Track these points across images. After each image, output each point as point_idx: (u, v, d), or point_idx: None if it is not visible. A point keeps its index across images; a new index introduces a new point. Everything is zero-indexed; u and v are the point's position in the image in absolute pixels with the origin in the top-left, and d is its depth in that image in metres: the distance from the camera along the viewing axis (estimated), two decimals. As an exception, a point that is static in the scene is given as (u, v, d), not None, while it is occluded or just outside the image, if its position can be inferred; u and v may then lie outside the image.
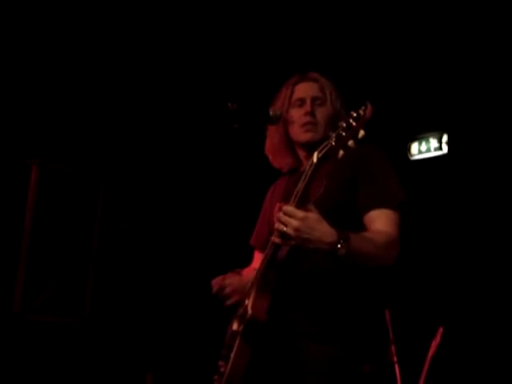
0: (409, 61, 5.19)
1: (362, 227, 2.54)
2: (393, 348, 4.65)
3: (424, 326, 4.74)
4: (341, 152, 2.26)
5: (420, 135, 5.59)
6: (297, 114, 2.75)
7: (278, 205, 2.45)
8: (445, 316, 4.88)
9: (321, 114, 2.74)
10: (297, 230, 2.27)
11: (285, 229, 2.29)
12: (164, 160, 5.68)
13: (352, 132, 2.24)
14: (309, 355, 2.52)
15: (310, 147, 2.74)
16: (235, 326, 2.64)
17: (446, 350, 4.54)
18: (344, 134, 2.24)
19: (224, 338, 2.76)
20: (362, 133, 2.24)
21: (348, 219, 2.53)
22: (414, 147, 5.63)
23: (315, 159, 2.31)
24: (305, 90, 2.78)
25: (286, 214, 2.30)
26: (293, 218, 2.28)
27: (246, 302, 2.58)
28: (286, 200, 2.51)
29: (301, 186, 2.35)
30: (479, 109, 5.14)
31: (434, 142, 5.50)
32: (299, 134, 2.76)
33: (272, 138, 2.86)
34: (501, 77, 4.93)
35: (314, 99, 2.75)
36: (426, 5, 4.73)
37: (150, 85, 5.60)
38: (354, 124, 2.24)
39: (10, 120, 5.38)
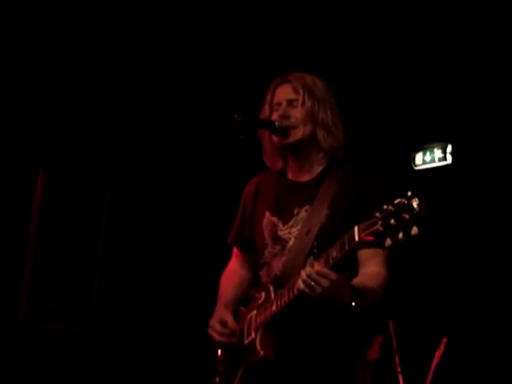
0: (414, 71, 5.20)
1: (354, 255, 2.63)
2: (396, 358, 4.64)
3: (428, 336, 4.73)
4: (388, 241, 2.15)
5: (424, 145, 5.59)
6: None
7: (310, 262, 2.42)
8: (448, 326, 4.88)
9: (295, 115, 2.74)
10: (325, 290, 2.32)
11: (312, 284, 2.32)
12: (170, 169, 5.70)
13: (404, 226, 2.11)
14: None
15: (292, 152, 2.79)
16: (236, 347, 2.72)
17: (449, 361, 4.54)
18: (393, 223, 2.12)
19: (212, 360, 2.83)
20: (415, 230, 2.11)
21: None
22: (419, 157, 5.63)
23: (357, 238, 2.23)
24: (281, 93, 2.80)
25: (319, 274, 2.32)
26: (326, 279, 2.31)
27: (253, 335, 2.64)
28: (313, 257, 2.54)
29: (337, 254, 2.32)
30: (483, 119, 5.14)
31: (438, 153, 5.51)
32: (276, 138, 2.78)
33: (263, 143, 2.89)
34: (505, 88, 4.94)
35: (289, 101, 2.77)
36: (430, 15, 4.75)
37: (156, 95, 5.63)
38: (406, 217, 2.10)
39: (16, 128, 5.40)
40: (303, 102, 2.75)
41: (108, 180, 5.82)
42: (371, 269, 2.61)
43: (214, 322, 2.81)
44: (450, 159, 5.43)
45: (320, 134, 2.76)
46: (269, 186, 2.91)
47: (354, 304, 2.41)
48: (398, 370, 4.61)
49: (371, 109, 5.51)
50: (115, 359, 5.64)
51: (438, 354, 4.47)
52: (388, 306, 4.89)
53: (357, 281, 2.52)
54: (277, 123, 2.73)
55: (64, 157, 5.65)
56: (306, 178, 2.80)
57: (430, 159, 5.55)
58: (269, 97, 2.83)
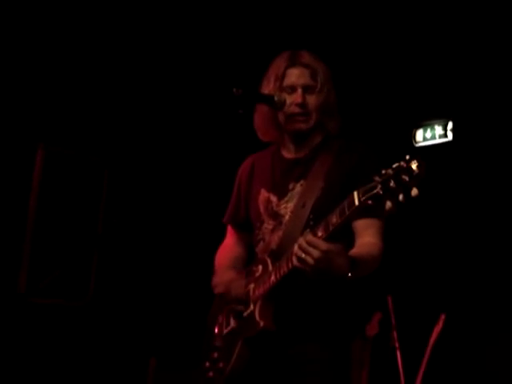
0: (415, 47, 5.17)
1: (350, 227, 2.63)
2: (395, 334, 4.67)
3: (426, 313, 4.75)
4: (388, 203, 2.14)
5: (425, 122, 5.58)
6: (287, 101, 2.73)
7: (303, 236, 2.38)
8: (447, 302, 4.89)
9: (312, 103, 2.73)
10: (316, 260, 2.31)
11: (303, 256, 2.32)
12: (169, 145, 5.69)
13: (404, 188, 2.11)
14: (305, 357, 2.61)
15: (296, 135, 2.78)
16: (233, 324, 2.72)
17: (447, 337, 4.56)
18: (393, 185, 2.12)
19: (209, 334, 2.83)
20: (415, 191, 2.10)
21: None
22: (419, 134, 5.62)
23: (357, 202, 2.22)
24: (296, 76, 2.75)
25: (309, 243, 2.31)
26: (315, 249, 2.31)
27: (252, 307, 2.64)
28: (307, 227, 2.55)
29: (337, 220, 2.31)
30: (484, 96, 5.12)
31: (439, 129, 5.50)
32: (288, 122, 2.76)
33: (260, 115, 2.86)
34: (506, 64, 4.91)
35: (305, 87, 2.73)
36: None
37: (155, 70, 5.60)
38: (406, 179, 2.10)
39: (15, 104, 5.38)
40: (320, 90, 2.73)
41: (107, 155, 5.81)
42: (367, 239, 2.61)
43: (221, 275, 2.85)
44: (450, 136, 5.42)
45: (327, 119, 2.79)
46: (264, 165, 2.91)
47: (350, 275, 2.40)
48: (397, 345, 4.64)
49: (372, 85, 5.49)
50: (115, 334, 5.66)
51: (437, 330, 4.50)
52: (387, 282, 4.92)
53: (353, 252, 2.52)
54: (276, 97, 2.71)
55: (63, 132, 5.63)
56: (301, 154, 2.80)
57: (430, 136, 5.55)
58: (278, 74, 2.77)
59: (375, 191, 2.16)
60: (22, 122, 5.44)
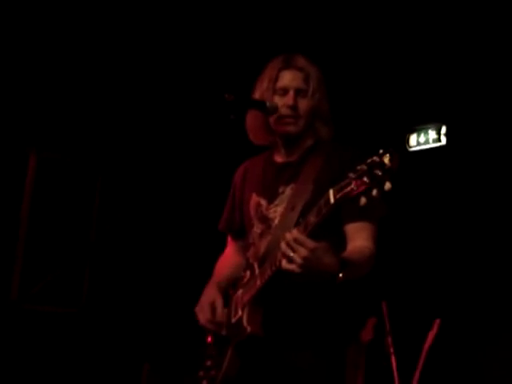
0: (408, 51, 5.17)
1: (341, 231, 2.63)
2: (389, 339, 4.65)
3: (421, 318, 4.74)
4: (363, 199, 2.14)
5: (418, 126, 5.57)
6: (279, 103, 2.72)
7: (290, 233, 2.35)
8: (442, 308, 4.89)
9: (303, 106, 2.71)
10: (305, 259, 2.28)
11: (292, 254, 2.29)
12: (161, 151, 5.68)
13: (377, 183, 2.11)
14: (298, 364, 2.58)
15: (287, 138, 2.77)
16: (224, 332, 2.73)
17: (442, 342, 4.55)
18: (367, 181, 2.12)
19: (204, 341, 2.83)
20: (388, 185, 2.10)
21: (331, 224, 2.52)
22: (413, 138, 5.61)
23: (332, 200, 2.22)
24: (289, 79, 2.73)
25: (296, 241, 2.29)
26: (302, 247, 2.28)
27: (240, 313, 2.63)
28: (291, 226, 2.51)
29: (314, 219, 2.30)
30: (478, 100, 5.12)
31: (432, 134, 5.49)
32: (278, 124, 2.75)
33: (252, 119, 2.84)
34: (500, 68, 4.91)
35: (297, 90, 2.72)
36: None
37: (146, 75, 5.59)
38: (379, 174, 2.10)
39: (8, 109, 5.37)
40: (313, 94, 2.72)
41: (101, 161, 5.80)
42: (360, 242, 2.59)
43: (205, 304, 2.82)
44: (444, 140, 5.41)
45: (319, 125, 2.77)
46: (256, 170, 2.91)
47: (341, 275, 2.37)
48: (391, 351, 4.63)
49: (365, 89, 5.48)
50: (108, 341, 5.64)
51: (431, 335, 4.49)
52: (381, 287, 4.91)
53: (344, 253, 2.50)
54: (268, 103, 2.70)
55: (56, 138, 5.62)
56: (291, 158, 2.79)
57: (424, 140, 5.53)
58: (271, 76, 2.75)
59: (350, 188, 2.16)
60: (14, 127, 5.44)
